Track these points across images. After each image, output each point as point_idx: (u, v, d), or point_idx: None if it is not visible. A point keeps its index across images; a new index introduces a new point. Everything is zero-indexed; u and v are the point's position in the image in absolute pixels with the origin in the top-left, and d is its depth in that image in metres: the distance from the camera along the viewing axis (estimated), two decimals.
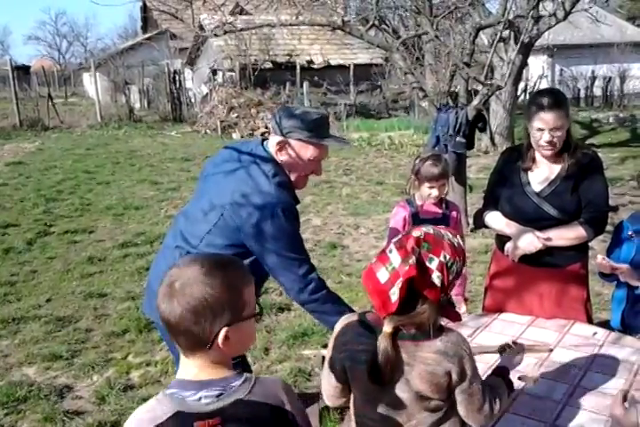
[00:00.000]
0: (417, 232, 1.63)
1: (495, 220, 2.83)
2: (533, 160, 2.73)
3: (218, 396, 1.34)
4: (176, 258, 2.39)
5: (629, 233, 2.65)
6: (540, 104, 2.56)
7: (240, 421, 1.34)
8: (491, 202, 2.89)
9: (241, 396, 1.35)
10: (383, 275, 1.60)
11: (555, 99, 2.60)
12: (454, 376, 1.61)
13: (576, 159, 2.65)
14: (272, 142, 2.36)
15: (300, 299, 2.36)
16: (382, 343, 1.59)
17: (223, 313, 1.31)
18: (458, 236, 1.69)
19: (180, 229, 2.48)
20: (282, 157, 2.35)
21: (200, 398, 1.33)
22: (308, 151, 2.34)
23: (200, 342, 1.31)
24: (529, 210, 2.70)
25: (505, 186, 2.80)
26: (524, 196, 2.70)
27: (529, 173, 2.73)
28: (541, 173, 2.71)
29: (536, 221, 2.68)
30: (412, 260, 1.57)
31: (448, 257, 1.61)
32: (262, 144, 2.41)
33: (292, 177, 2.38)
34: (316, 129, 2.31)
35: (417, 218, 2.96)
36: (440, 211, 3.01)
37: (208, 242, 2.33)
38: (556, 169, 2.69)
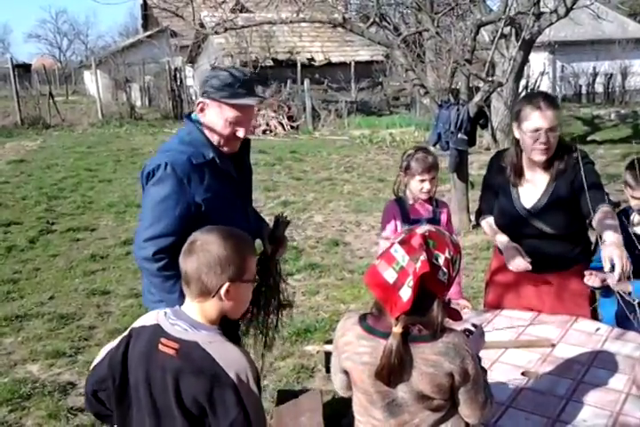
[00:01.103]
0: (421, 229, 1.64)
1: (488, 228, 2.87)
2: (521, 175, 2.68)
3: (185, 329, 1.63)
4: None
5: None
6: (535, 104, 2.51)
7: (188, 359, 1.58)
8: (484, 207, 2.91)
9: (199, 341, 1.60)
10: (391, 275, 1.60)
11: (549, 99, 2.56)
12: (457, 377, 1.61)
13: (564, 164, 2.60)
14: (196, 105, 2.37)
15: (135, 255, 2.33)
16: (393, 344, 1.59)
17: (229, 270, 1.61)
18: (453, 234, 1.71)
19: None
20: (203, 118, 2.34)
21: (175, 325, 1.65)
22: (223, 111, 2.28)
23: (207, 290, 1.61)
24: (521, 226, 2.69)
25: (496, 194, 2.79)
26: (515, 211, 2.69)
27: (519, 187, 2.70)
28: (531, 188, 2.67)
29: (529, 236, 2.68)
30: (423, 256, 1.57)
31: (452, 253, 1.63)
32: (190, 115, 2.43)
33: (215, 139, 2.33)
34: (232, 88, 2.26)
35: (407, 219, 2.89)
36: (430, 210, 2.93)
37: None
38: (545, 180, 2.65)
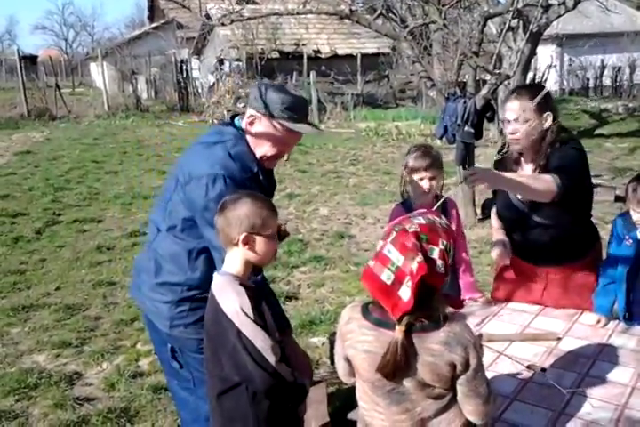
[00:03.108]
0: (411, 227, 1.60)
1: (494, 220, 2.93)
2: (516, 163, 2.69)
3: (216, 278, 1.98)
4: (152, 231, 2.42)
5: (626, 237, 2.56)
6: (510, 92, 2.56)
7: (209, 302, 1.97)
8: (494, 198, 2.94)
9: (213, 287, 1.96)
10: (387, 276, 1.59)
11: (526, 90, 2.55)
12: (458, 367, 1.61)
13: (546, 159, 2.57)
14: (246, 115, 2.30)
15: None
16: (398, 341, 1.58)
17: (246, 224, 1.91)
18: (442, 216, 1.70)
19: (156, 201, 2.53)
20: (251, 131, 2.29)
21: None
22: (277, 132, 2.26)
23: (229, 240, 1.94)
24: (514, 217, 2.71)
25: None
26: (510, 202, 2.70)
27: None
28: None
29: (523, 227, 2.70)
30: (419, 257, 1.55)
31: (445, 243, 1.61)
32: (234, 118, 2.38)
33: (259, 154, 2.30)
34: (292, 112, 2.23)
35: None
36: (437, 211, 2.86)
37: (170, 210, 2.32)
38: (534, 170, 2.62)
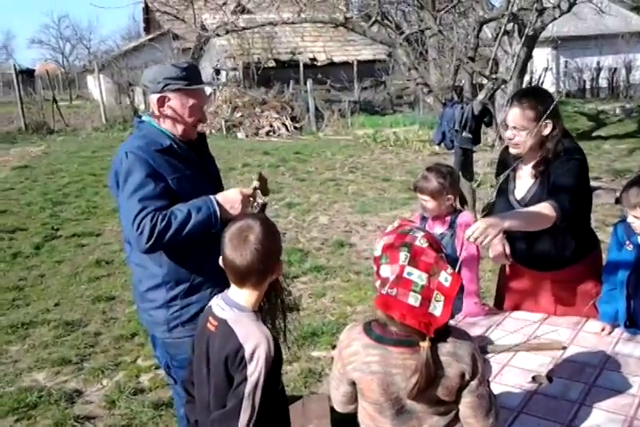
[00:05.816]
0: (421, 241, 1.59)
1: None
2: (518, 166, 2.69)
3: (222, 309, 1.82)
4: (127, 248, 2.46)
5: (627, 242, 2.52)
6: (512, 98, 2.57)
7: (219, 333, 1.78)
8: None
9: (228, 319, 1.78)
10: (415, 299, 1.56)
11: (527, 97, 2.54)
12: (466, 376, 1.58)
13: (546, 166, 2.57)
14: (152, 102, 2.35)
15: (141, 248, 2.19)
16: (428, 357, 1.55)
17: (279, 254, 1.86)
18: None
19: None
20: (165, 112, 2.34)
21: (219, 305, 1.84)
22: (188, 100, 2.33)
23: (266, 272, 1.81)
24: None
25: (499, 187, 2.80)
26: (508, 203, 2.69)
27: (517, 179, 2.70)
28: (524, 180, 2.68)
29: (523, 233, 2.64)
30: (449, 270, 1.56)
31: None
32: (141, 117, 2.45)
33: (180, 130, 2.36)
34: (190, 76, 2.33)
35: None
36: (445, 227, 2.88)
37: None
38: (532, 175, 2.64)
